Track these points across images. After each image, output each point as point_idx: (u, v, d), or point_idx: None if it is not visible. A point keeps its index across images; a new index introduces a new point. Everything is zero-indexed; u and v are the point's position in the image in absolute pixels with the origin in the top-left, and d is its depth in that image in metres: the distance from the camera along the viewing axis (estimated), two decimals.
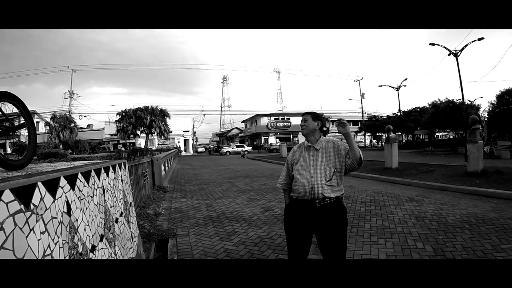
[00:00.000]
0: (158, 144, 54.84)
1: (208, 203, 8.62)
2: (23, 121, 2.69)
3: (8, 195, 1.38)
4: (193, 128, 69.99)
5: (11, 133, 2.57)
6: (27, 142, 2.77)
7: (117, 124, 40.65)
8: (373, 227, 5.63)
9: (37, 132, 2.78)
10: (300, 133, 3.28)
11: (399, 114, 44.11)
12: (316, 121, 2.95)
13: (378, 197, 8.37)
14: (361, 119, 58.61)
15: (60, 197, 1.83)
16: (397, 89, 46.63)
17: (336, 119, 2.88)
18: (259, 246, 4.95)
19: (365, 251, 4.56)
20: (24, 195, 1.50)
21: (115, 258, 2.73)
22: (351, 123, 69.38)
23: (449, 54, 30.20)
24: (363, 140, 61.57)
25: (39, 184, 1.64)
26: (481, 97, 56.26)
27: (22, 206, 1.46)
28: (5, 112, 2.49)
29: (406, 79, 47.12)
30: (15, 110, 2.68)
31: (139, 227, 4.43)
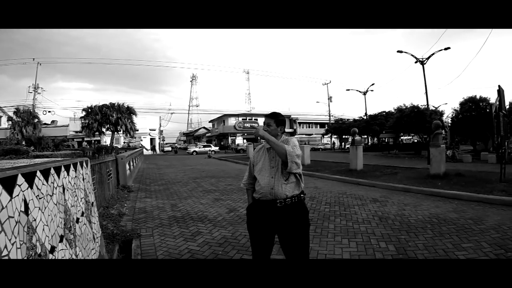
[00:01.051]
0: (124, 142, 53.77)
1: (173, 203, 8.53)
2: None
3: None
4: (160, 126, 69.03)
5: None
6: None
7: (82, 121, 39.61)
8: (337, 227, 5.74)
9: None
10: None
11: (365, 117, 45.26)
12: (279, 126, 2.96)
13: (343, 198, 8.54)
14: (328, 121, 59.66)
15: (18, 195, 1.75)
16: (364, 93, 47.86)
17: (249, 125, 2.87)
18: (224, 246, 4.95)
19: (329, 251, 4.65)
20: None
21: (76, 259, 2.64)
22: (318, 126, 70.52)
23: (416, 62, 31.30)
24: (329, 142, 62.59)
25: None
26: (445, 104, 58.93)
27: None
28: None
29: (373, 84, 48.51)
30: None
31: (102, 227, 4.31)
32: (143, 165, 24.37)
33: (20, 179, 1.80)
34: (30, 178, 1.93)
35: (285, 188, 2.75)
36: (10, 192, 1.68)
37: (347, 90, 51.25)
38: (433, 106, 33.82)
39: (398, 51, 31.75)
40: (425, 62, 30.97)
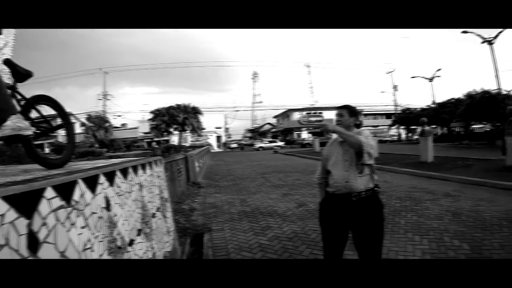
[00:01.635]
0: (191, 141, 55.69)
1: (242, 198, 8.68)
2: (61, 122, 2.81)
3: (50, 192, 1.44)
4: (226, 124, 70.54)
5: (50, 133, 2.69)
6: (66, 142, 2.88)
7: (151, 123, 41.59)
8: (408, 223, 5.49)
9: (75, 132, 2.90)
10: None
11: (433, 106, 42.68)
12: (352, 117, 2.88)
13: (414, 192, 8.15)
14: (394, 112, 57.32)
15: (100, 193, 1.89)
16: (430, 80, 45.11)
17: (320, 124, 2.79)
18: (294, 241, 4.93)
19: (400, 247, 4.44)
20: (65, 191, 1.56)
21: (152, 251, 2.79)
22: (384, 116, 68.00)
23: (483, 42, 28.99)
24: (396, 134, 60.08)
25: (79, 181, 1.70)
26: None
27: (63, 202, 1.52)
28: (44, 114, 2.62)
29: (439, 70, 45.30)
30: (53, 112, 2.82)
31: (174, 222, 4.51)
32: (211, 162, 25.07)
33: (102, 178, 1.94)
34: (110, 177, 2.08)
35: (360, 181, 2.68)
36: (93, 190, 1.82)
37: (412, 77, 48.58)
38: (506, 90, 30.93)
39: (463, 32, 29.43)
40: (493, 41, 28.52)
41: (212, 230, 5.69)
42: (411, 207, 6.59)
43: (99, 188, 1.89)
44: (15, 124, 1.98)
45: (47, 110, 2.71)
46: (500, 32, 27.77)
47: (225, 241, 5.12)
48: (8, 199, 1.18)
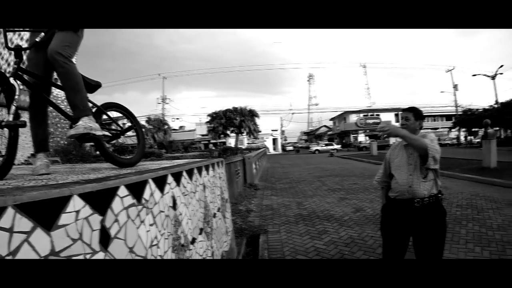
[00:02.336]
0: (248, 143, 56.27)
1: (298, 201, 8.63)
2: (130, 125, 3.00)
3: (123, 190, 1.53)
4: (282, 127, 70.63)
5: (121, 136, 2.89)
6: (137, 144, 3.09)
7: (208, 125, 42.60)
8: (469, 233, 5.15)
9: (131, 134, 3.10)
10: None
11: (496, 106, 39.78)
12: (418, 120, 2.77)
13: (475, 200, 7.63)
14: (455, 112, 54.26)
15: (168, 192, 1.98)
16: (493, 77, 42.12)
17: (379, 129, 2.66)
18: (350, 246, 4.83)
19: (459, 258, 4.23)
20: (136, 190, 1.65)
21: (211, 250, 2.86)
22: (444, 118, 64.73)
23: None
24: (456, 136, 56.62)
25: (150, 180, 1.79)
26: None
27: (134, 201, 1.61)
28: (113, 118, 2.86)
29: (502, 66, 42.20)
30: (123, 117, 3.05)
31: (232, 222, 4.59)
32: (267, 164, 25.22)
33: (170, 178, 2.03)
34: (177, 177, 2.17)
35: (423, 186, 2.58)
36: (161, 189, 1.91)
37: (473, 75, 45.42)
38: None
39: None
40: None
41: (268, 232, 5.72)
42: (472, 216, 6.18)
43: (167, 188, 1.98)
44: (87, 124, 2.16)
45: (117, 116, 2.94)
46: None
47: (281, 243, 5.13)
48: (84, 196, 1.27)
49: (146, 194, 1.73)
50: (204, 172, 2.85)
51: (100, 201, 1.37)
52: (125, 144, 3.75)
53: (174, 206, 2.05)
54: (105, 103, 2.75)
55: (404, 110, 2.86)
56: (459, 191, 8.98)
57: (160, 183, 1.91)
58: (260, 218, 6.79)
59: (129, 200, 1.57)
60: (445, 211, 2.71)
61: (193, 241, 2.39)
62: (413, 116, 2.76)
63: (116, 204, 1.47)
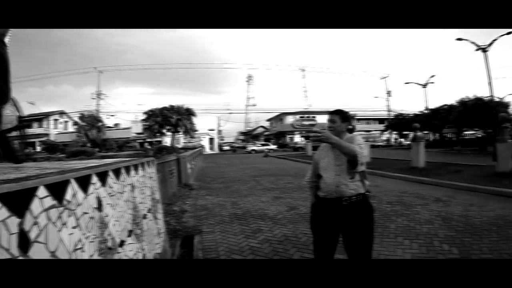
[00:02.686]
0: (184, 142, 55.52)
1: (233, 201, 8.67)
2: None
3: (42, 191, 1.44)
4: (219, 126, 70.48)
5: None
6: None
7: (144, 123, 41.42)
8: (398, 227, 5.53)
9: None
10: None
11: (426, 112, 43.05)
12: (344, 122, 2.89)
13: (404, 197, 8.21)
14: (388, 117, 57.64)
15: (92, 193, 1.89)
16: (424, 86, 45.57)
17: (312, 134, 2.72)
18: (284, 244, 4.94)
19: (389, 251, 4.49)
20: (57, 191, 1.55)
21: (142, 252, 2.78)
22: (377, 121, 68.39)
23: (477, 49, 29.31)
24: (388, 139, 60.37)
25: (72, 180, 1.70)
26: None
27: (55, 202, 1.52)
28: None
29: (433, 76, 45.89)
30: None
31: (165, 223, 4.50)
32: (203, 164, 25.02)
33: (94, 178, 1.94)
34: (103, 177, 2.07)
35: (350, 186, 2.70)
36: (85, 190, 1.82)
37: (406, 83, 49.03)
38: (498, 97, 31.38)
39: (457, 39, 29.76)
40: (487, 49, 28.86)
41: (202, 232, 5.68)
42: (401, 212, 6.64)
43: (91, 188, 1.89)
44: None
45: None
46: (494, 40, 28.10)
47: (215, 243, 5.11)
48: (1, 197, 1.18)
49: (68, 195, 1.64)
50: (132, 172, 2.75)
51: (18, 202, 1.28)
52: None
53: (100, 208, 1.96)
54: None
55: (331, 113, 2.95)
56: (389, 189, 9.56)
57: (84, 183, 1.81)
58: (195, 219, 6.72)
59: (49, 201, 1.48)
60: (373, 208, 2.84)
61: (122, 243, 2.31)
62: (339, 118, 2.88)
63: (35, 206, 1.37)
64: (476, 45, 29.23)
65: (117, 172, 2.37)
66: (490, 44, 28.54)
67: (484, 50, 28.95)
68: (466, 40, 29.30)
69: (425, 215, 6.30)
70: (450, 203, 7.25)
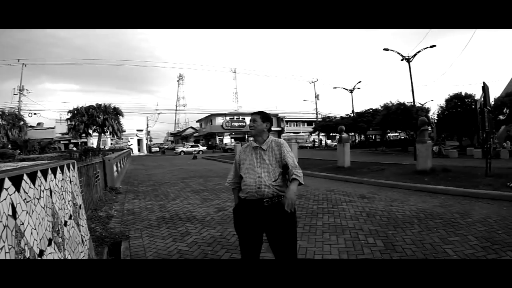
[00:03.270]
0: (111, 143, 53.20)
1: (161, 204, 8.49)
2: None
3: None
4: (147, 127, 68.54)
5: None
6: None
7: (69, 123, 38.86)
8: (325, 224, 5.78)
9: None
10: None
11: (352, 115, 45.52)
12: (265, 122, 2.98)
13: (331, 195, 8.59)
14: (316, 119, 59.83)
15: (5, 199, 1.72)
16: (351, 91, 48.06)
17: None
18: (213, 246, 4.95)
19: (317, 247, 4.67)
20: None
21: None
22: (306, 124, 70.74)
23: (402, 59, 31.53)
24: (317, 140, 62.76)
25: None
26: (431, 101, 59.54)
27: None
28: None
29: (360, 82, 48.75)
30: None
31: (90, 230, 4.27)
32: (131, 166, 24.18)
33: (7, 183, 1.78)
34: (17, 182, 1.91)
35: (272, 187, 2.77)
36: None
37: (334, 88, 51.26)
38: (419, 103, 34.43)
39: (384, 49, 31.91)
40: (411, 59, 31.20)
41: (130, 238, 5.48)
42: (328, 209, 6.94)
43: (3, 194, 1.73)
44: None
45: None
46: (418, 52, 30.39)
47: (143, 248, 4.96)
48: None
49: None
50: (50, 176, 2.57)
51: None
52: None
53: (14, 215, 1.80)
54: None
55: (252, 114, 3.07)
56: (316, 187, 9.94)
57: None
58: (122, 224, 6.47)
59: None
60: (295, 208, 2.91)
61: (41, 253, 2.14)
62: (260, 118, 2.98)
63: None
64: (402, 55, 31.38)
65: (32, 176, 2.19)
66: (414, 56, 30.83)
67: (408, 60, 31.17)
68: (392, 50, 31.37)
69: (351, 211, 6.66)
70: (374, 199, 7.73)
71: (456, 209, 6.37)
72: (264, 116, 3.00)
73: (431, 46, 29.42)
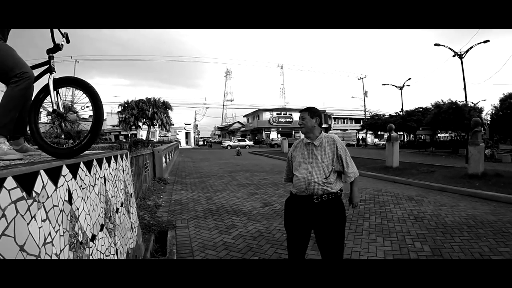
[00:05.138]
0: (160, 136, 54.77)
1: (208, 196, 8.64)
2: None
3: (10, 182, 1.38)
4: (195, 121, 69.97)
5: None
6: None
7: (119, 115, 40.54)
8: (372, 225, 5.64)
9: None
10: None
11: (401, 113, 43.98)
12: (314, 118, 2.92)
13: (378, 196, 8.37)
14: (364, 117, 58.50)
15: (62, 185, 1.83)
16: (401, 88, 46.37)
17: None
18: (258, 240, 4.96)
19: (363, 248, 4.57)
20: (26, 182, 1.50)
21: (115, 247, 2.74)
22: (353, 121, 69.34)
23: (454, 55, 29.93)
24: (365, 138, 61.40)
25: (42, 172, 1.65)
26: (484, 100, 55.96)
27: (24, 194, 1.47)
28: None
29: (410, 79, 46.63)
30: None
31: (139, 218, 4.44)
32: (179, 159, 24.80)
33: (65, 170, 1.89)
34: (74, 169, 2.02)
35: (322, 184, 2.74)
36: (55, 182, 1.77)
37: (383, 85, 49.30)
38: (472, 103, 32.42)
39: (435, 44, 30.32)
40: (463, 55, 29.46)
41: (176, 227, 5.63)
42: (375, 210, 6.76)
43: (61, 180, 1.84)
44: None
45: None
46: (471, 47, 28.73)
47: (189, 238, 5.08)
48: None
49: (37, 187, 1.58)
50: (105, 165, 2.70)
51: None
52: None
53: (70, 201, 1.91)
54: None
55: (301, 111, 3.02)
56: (363, 187, 9.72)
57: (54, 175, 1.76)
58: (169, 213, 6.67)
59: (18, 193, 1.42)
60: (344, 206, 2.89)
61: (93, 238, 2.26)
62: (308, 114, 2.92)
63: (3, 198, 1.32)
64: (453, 51, 29.83)
65: (88, 165, 2.31)
66: (466, 51, 29.19)
67: (460, 56, 29.58)
68: (443, 46, 29.85)
69: (398, 213, 6.45)
70: (423, 202, 7.44)
71: (508, 218, 5.96)
72: (312, 112, 2.95)
73: (485, 42, 27.62)
